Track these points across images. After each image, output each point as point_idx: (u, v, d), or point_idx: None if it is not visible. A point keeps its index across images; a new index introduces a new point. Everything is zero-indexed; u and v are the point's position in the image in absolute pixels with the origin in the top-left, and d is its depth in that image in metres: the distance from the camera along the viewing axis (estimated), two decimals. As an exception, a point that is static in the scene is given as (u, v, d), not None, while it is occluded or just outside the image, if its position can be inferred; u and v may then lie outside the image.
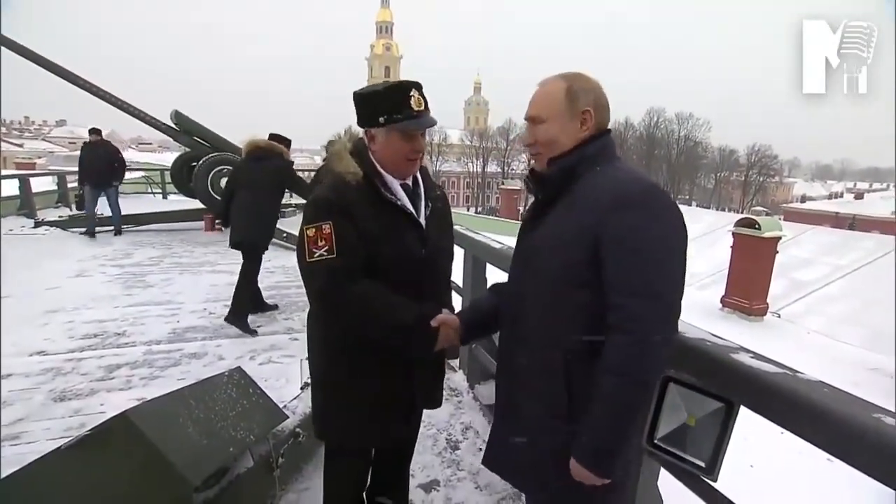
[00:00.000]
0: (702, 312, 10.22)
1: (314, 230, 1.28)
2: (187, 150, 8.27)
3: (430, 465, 2.30)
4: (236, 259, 3.92)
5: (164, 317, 4.03)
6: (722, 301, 11.42)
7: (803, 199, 61.11)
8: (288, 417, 2.10)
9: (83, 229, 7.43)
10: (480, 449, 2.16)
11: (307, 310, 1.51)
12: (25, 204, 8.78)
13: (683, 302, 1.03)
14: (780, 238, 11.22)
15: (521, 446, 1.18)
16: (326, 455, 1.62)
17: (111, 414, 1.48)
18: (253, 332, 3.72)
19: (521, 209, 33.35)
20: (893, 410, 0.92)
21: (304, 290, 1.38)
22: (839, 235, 18.20)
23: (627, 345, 0.96)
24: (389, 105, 1.31)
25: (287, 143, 4.20)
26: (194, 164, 7.66)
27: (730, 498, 1.20)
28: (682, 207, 1.07)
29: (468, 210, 55.30)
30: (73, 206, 9.40)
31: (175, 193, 10.04)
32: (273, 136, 4.12)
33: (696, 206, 49.62)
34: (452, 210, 1.72)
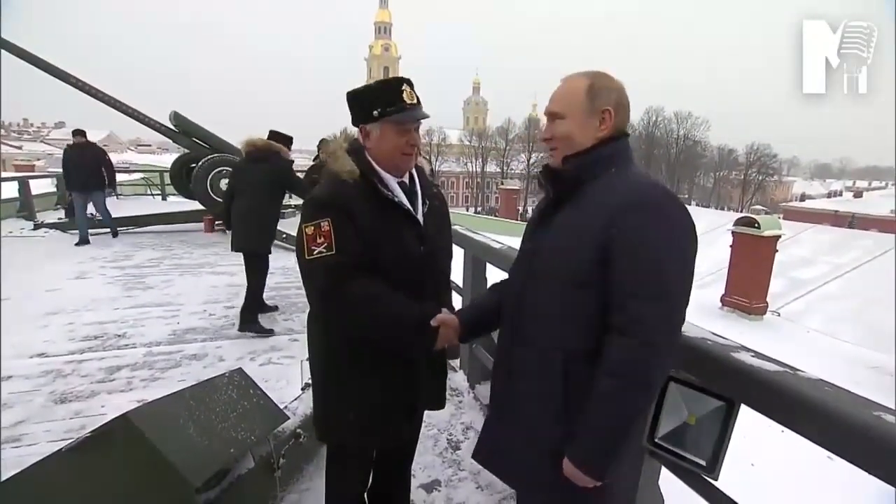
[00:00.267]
0: (702, 311, 10.23)
1: (313, 228, 1.28)
2: (186, 151, 8.25)
3: (432, 465, 2.31)
4: (236, 260, 3.90)
5: (165, 318, 4.03)
6: (722, 300, 11.43)
7: (802, 197, 61.12)
8: (289, 418, 2.10)
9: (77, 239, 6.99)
10: (481, 449, 2.16)
11: (307, 311, 1.51)
12: (25, 206, 8.78)
13: (684, 301, 1.03)
14: (779, 237, 11.24)
15: (516, 445, 1.18)
16: (328, 456, 1.62)
17: (112, 416, 1.48)
18: (269, 332, 3.74)
19: (521, 209, 33.42)
20: (893, 408, 0.92)
21: (304, 291, 1.38)
22: (838, 234, 18.23)
23: (628, 347, 0.96)
24: (383, 99, 1.34)
25: (288, 141, 4.06)
26: (193, 165, 7.63)
27: (731, 496, 1.20)
28: (681, 207, 1.08)
29: (468, 210, 55.31)
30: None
31: (174, 195, 10.02)
32: (272, 134, 4.00)
33: (696, 205, 49.66)
34: (452, 210, 1.73)
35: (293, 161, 4.15)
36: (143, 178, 13.57)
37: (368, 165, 1.36)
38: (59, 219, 8.35)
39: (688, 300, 1.01)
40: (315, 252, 1.27)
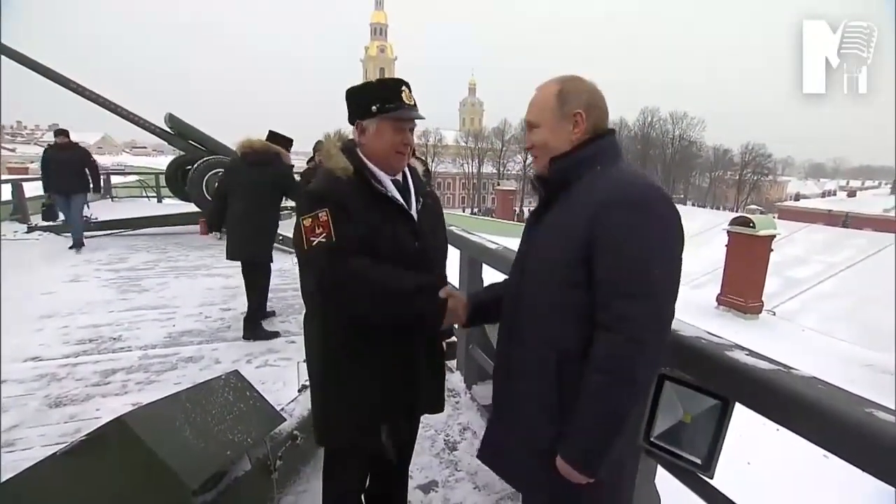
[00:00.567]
0: (697, 311, 10.27)
1: (311, 219, 1.28)
2: (182, 153, 8.23)
3: (429, 465, 2.30)
4: (232, 262, 3.82)
5: (160, 321, 4.02)
6: (717, 299, 11.48)
7: (797, 197, 61.49)
8: (285, 420, 2.10)
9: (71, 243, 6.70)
10: (478, 449, 2.16)
11: (304, 312, 1.51)
12: (18, 209, 8.72)
13: (679, 300, 1.04)
14: (774, 236, 11.31)
15: (516, 445, 1.18)
16: (326, 457, 1.62)
17: (107, 419, 1.48)
18: (275, 334, 3.72)
19: (517, 210, 33.45)
20: (888, 406, 0.93)
21: (300, 294, 1.38)
22: (833, 233, 18.38)
23: (614, 344, 0.97)
24: (383, 95, 1.35)
25: (288, 142, 3.85)
26: (189, 167, 7.62)
27: (727, 495, 1.20)
28: (678, 207, 1.07)
29: (464, 211, 55.33)
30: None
31: (170, 197, 9.99)
32: (272, 135, 3.80)
33: (692, 205, 49.89)
34: (449, 212, 1.74)
35: (293, 165, 4.03)
36: (138, 181, 13.54)
37: (362, 162, 1.38)
38: (52, 223, 8.29)
39: (675, 296, 1.01)
40: (314, 242, 1.27)
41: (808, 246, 16.26)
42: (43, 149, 7.09)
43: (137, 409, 1.58)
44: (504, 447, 1.23)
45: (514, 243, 1.39)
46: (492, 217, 30.26)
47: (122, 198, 12.56)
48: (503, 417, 1.25)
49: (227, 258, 3.67)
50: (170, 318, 4.08)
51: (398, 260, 1.36)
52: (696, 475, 1.23)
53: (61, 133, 6.74)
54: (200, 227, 8.08)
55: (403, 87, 1.37)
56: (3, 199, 8.77)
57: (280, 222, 3.89)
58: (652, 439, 1.27)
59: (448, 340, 1.42)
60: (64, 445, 1.44)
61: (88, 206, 7.21)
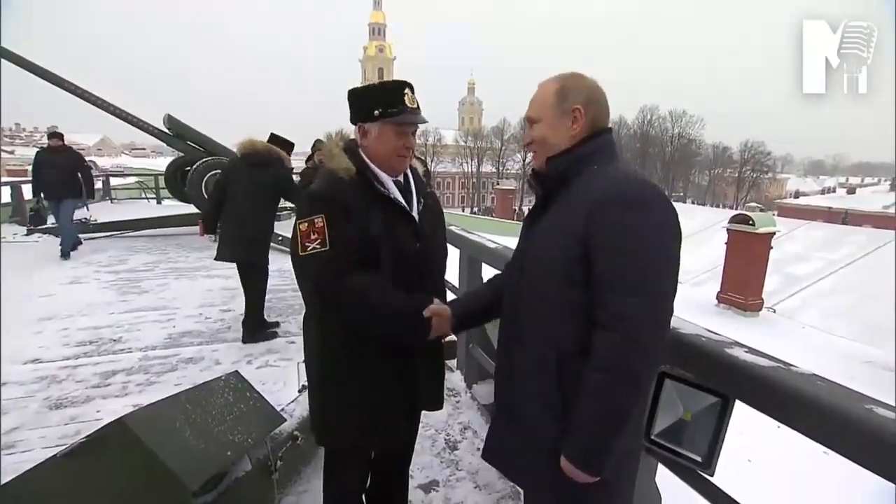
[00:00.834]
0: (698, 308, 10.28)
1: (307, 224, 1.29)
2: (181, 154, 8.22)
3: (429, 465, 2.31)
4: (232, 264, 3.80)
5: (160, 322, 4.01)
6: (717, 297, 11.49)
7: (797, 194, 61.46)
8: (286, 420, 2.10)
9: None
10: (479, 448, 2.16)
11: (303, 313, 1.51)
12: (18, 211, 8.71)
13: (679, 298, 1.03)
14: (774, 234, 11.32)
15: (521, 445, 1.18)
16: (326, 457, 1.62)
17: (107, 421, 1.47)
18: (274, 335, 3.70)
19: (517, 209, 33.43)
20: (888, 402, 0.93)
21: (299, 294, 1.38)
22: (832, 230, 18.38)
23: (611, 342, 0.96)
24: (385, 99, 1.35)
25: (289, 146, 3.82)
26: (188, 168, 7.61)
27: (727, 492, 1.20)
28: (677, 205, 1.07)
29: (463, 210, 55.32)
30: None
31: (169, 198, 9.97)
32: (273, 138, 3.78)
33: (692, 202, 49.89)
34: (448, 211, 1.74)
35: (293, 169, 4.01)
36: (137, 182, 13.53)
37: (364, 163, 1.38)
38: (52, 224, 8.28)
39: (673, 294, 1.01)
40: (309, 248, 1.28)
41: (807, 243, 16.26)
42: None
43: (138, 410, 1.58)
44: (508, 447, 1.23)
45: (513, 242, 1.39)
46: (491, 216, 30.29)
47: (122, 199, 12.55)
48: (507, 417, 1.25)
49: (215, 259, 3.61)
50: (170, 320, 4.08)
51: (399, 261, 1.36)
52: (696, 473, 1.22)
53: (55, 135, 6.50)
54: (200, 229, 8.06)
55: (406, 90, 1.36)
56: (3, 201, 8.76)
57: (277, 222, 3.88)
58: (652, 437, 1.27)
59: (447, 339, 1.43)
60: (64, 447, 1.44)
61: (88, 209, 7.20)
